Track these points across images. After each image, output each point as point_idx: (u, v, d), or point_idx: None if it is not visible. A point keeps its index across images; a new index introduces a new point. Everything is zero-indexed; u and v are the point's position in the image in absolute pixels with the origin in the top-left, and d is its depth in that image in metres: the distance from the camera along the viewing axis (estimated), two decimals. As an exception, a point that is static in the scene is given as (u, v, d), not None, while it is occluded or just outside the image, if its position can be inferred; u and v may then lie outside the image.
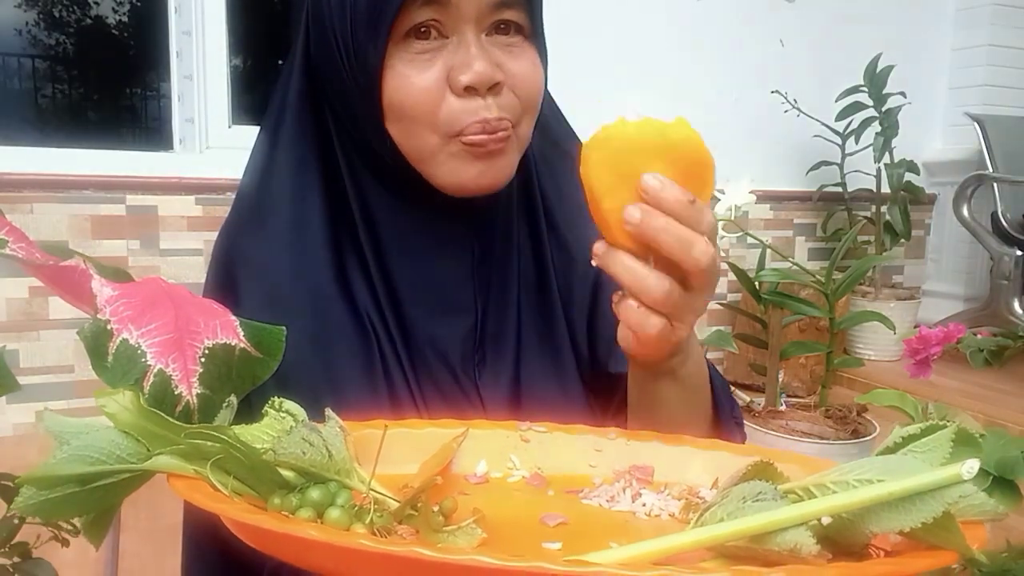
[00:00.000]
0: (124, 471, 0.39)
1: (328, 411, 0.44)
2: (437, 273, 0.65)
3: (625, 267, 0.50)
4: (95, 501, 0.39)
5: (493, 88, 0.58)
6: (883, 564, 0.36)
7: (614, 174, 0.49)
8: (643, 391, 0.61)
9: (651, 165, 0.48)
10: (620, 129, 0.48)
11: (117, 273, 0.48)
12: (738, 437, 0.67)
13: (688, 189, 0.49)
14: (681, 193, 0.48)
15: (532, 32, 0.61)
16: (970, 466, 0.33)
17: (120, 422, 0.39)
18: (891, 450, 0.38)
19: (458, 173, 0.60)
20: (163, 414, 0.40)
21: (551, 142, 0.71)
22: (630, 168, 0.48)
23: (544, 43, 0.64)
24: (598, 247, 0.51)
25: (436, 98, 0.58)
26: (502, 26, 0.59)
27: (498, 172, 0.61)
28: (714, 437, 0.63)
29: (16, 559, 0.48)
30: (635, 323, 0.51)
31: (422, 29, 0.58)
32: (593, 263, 0.51)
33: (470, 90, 0.58)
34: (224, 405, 0.44)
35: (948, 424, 0.37)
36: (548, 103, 0.67)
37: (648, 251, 0.50)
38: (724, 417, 0.67)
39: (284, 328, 0.50)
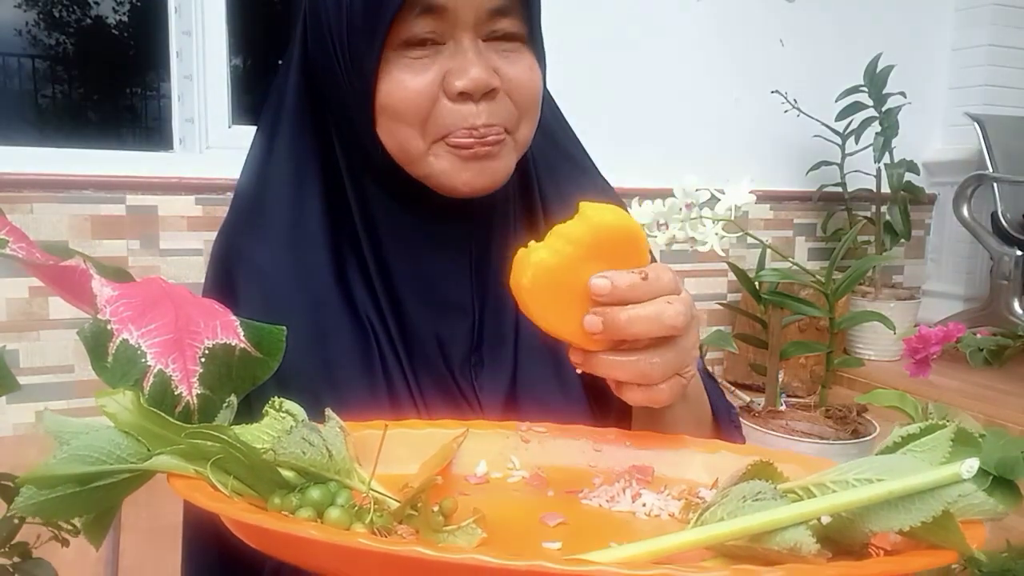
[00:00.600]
0: (124, 471, 0.39)
1: (328, 411, 0.44)
2: (435, 274, 0.65)
3: (613, 365, 0.50)
4: (95, 501, 0.39)
5: (488, 94, 0.58)
6: (883, 563, 0.36)
7: (554, 302, 0.48)
8: (651, 415, 0.60)
9: (585, 270, 0.47)
10: (538, 257, 0.47)
11: (117, 273, 0.48)
12: (738, 439, 0.67)
13: (630, 265, 0.48)
14: (630, 276, 0.48)
15: (530, 37, 0.61)
16: (969, 465, 0.33)
17: (120, 422, 0.39)
18: (891, 449, 0.38)
19: (451, 175, 0.60)
20: (163, 414, 0.40)
21: (551, 143, 0.71)
22: (567, 288, 0.48)
23: (542, 47, 0.63)
24: (575, 358, 0.50)
25: (428, 102, 0.58)
26: (499, 33, 0.59)
27: (492, 174, 0.60)
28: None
29: (16, 559, 0.48)
30: (647, 400, 0.51)
31: (419, 37, 0.58)
32: (578, 372, 0.51)
33: (464, 96, 0.58)
34: (224, 405, 0.44)
35: (948, 424, 0.37)
36: (549, 105, 0.67)
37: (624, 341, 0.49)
38: (723, 422, 0.67)
39: (284, 328, 0.50)
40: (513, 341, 0.67)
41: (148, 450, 0.39)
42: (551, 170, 0.71)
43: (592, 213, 0.48)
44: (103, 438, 0.38)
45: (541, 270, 0.47)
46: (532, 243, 0.48)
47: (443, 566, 0.32)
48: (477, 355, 0.66)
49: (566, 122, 0.73)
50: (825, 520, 0.36)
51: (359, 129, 0.62)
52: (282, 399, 0.45)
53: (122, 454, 0.39)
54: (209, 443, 0.38)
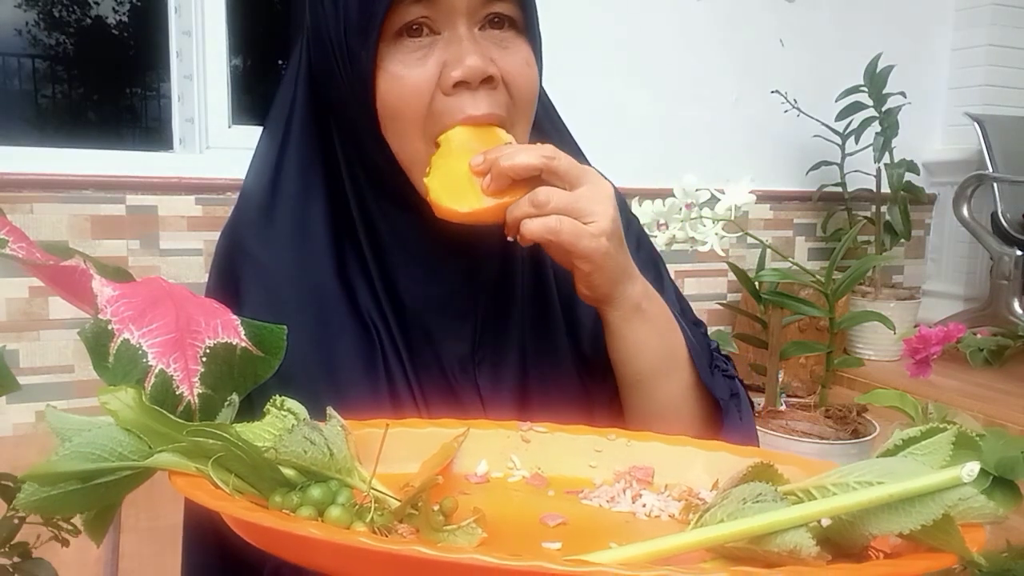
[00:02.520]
0: (126, 468, 0.39)
1: (330, 410, 0.44)
2: (436, 276, 0.65)
3: (513, 205, 0.57)
4: (97, 498, 0.39)
5: (486, 82, 0.58)
6: (882, 566, 0.36)
7: (463, 198, 0.58)
8: (620, 338, 0.63)
9: (461, 169, 0.58)
10: (432, 184, 0.59)
11: (118, 273, 0.48)
12: (720, 386, 0.68)
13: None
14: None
15: (525, 26, 0.61)
16: (970, 469, 0.33)
17: (122, 419, 0.39)
18: (891, 452, 0.38)
19: None
20: (165, 412, 0.40)
21: (545, 139, 0.70)
22: (461, 184, 0.58)
23: (539, 38, 0.63)
24: (509, 230, 0.58)
25: (425, 97, 0.58)
26: (495, 20, 0.59)
27: None
28: (700, 392, 0.66)
29: (16, 559, 0.48)
30: (539, 230, 0.56)
31: (414, 27, 0.57)
32: (509, 238, 0.58)
33: (461, 85, 0.57)
34: (226, 404, 0.44)
35: (948, 426, 0.37)
36: (541, 101, 0.67)
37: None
38: (700, 365, 0.67)
39: (285, 327, 0.50)
40: (516, 341, 0.67)
41: (150, 448, 0.39)
42: None
43: (449, 133, 0.58)
44: (105, 435, 0.38)
45: (436, 182, 0.58)
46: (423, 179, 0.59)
47: (444, 566, 0.32)
48: (478, 355, 0.66)
49: (559, 117, 0.73)
50: (825, 522, 0.36)
51: (361, 132, 0.62)
52: (284, 397, 0.45)
53: (124, 451, 0.39)
54: (211, 441, 0.38)
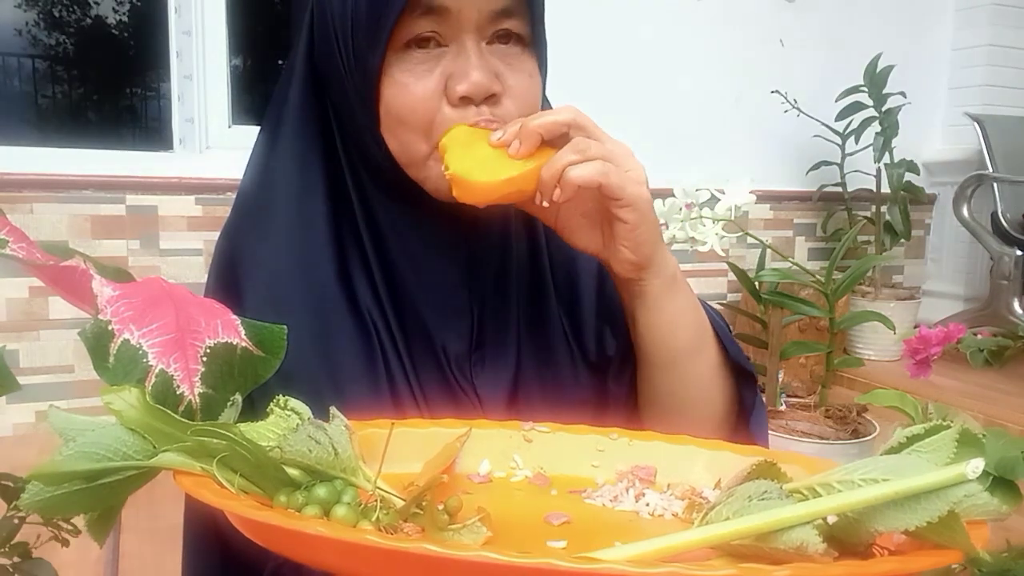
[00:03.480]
0: (130, 468, 0.39)
1: (333, 409, 0.44)
2: (435, 274, 0.65)
3: (551, 159, 0.56)
4: (100, 498, 0.39)
5: (490, 99, 0.58)
6: (888, 562, 0.36)
7: (486, 171, 0.56)
8: (659, 311, 0.63)
9: (481, 147, 0.58)
10: (453, 166, 0.57)
11: (118, 273, 0.47)
12: (745, 364, 0.68)
13: None
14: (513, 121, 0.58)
15: (533, 41, 0.61)
16: (975, 466, 0.33)
17: (126, 419, 0.39)
18: (896, 450, 0.38)
19: (446, 179, 0.60)
20: (169, 411, 0.40)
21: None
22: (484, 161, 0.57)
23: (545, 51, 0.64)
24: (540, 197, 0.57)
25: (431, 108, 0.58)
26: (502, 35, 0.59)
27: None
28: (725, 371, 0.67)
29: (16, 559, 0.48)
30: (589, 174, 0.55)
31: (422, 39, 0.58)
32: (544, 204, 0.57)
33: (465, 100, 0.58)
34: (228, 403, 0.44)
35: (952, 424, 0.37)
36: (543, 108, 0.67)
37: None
38: (726, 338, 0.68)
39: (285, 327, 0.50)
40: (513, 340, 0.67)
41: (154, 447, 0.39)
42: None
43: (452, 130, 0.58)
44: (109, 435, 0.38)
45: (457, 162, 0.56)
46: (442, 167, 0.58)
47: (452, 563, 0.32)
48: (478, 354, 0.66)
49: None
50: (831, 520, 0.36)
51: (362, 129, 0.62)
52: (287, 397, 0.45)
53: (128, 451, 0.38)
54: (215, 441, 0.38)
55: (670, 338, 0.63)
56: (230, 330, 0.47)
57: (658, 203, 1.22)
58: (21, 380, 0.45)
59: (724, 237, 1.23)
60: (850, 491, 0.35)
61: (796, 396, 1.62)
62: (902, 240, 2.86)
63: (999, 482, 0.42)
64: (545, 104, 0.66)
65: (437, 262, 0.65)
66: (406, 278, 0.64)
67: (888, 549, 0.38)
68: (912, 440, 0.37)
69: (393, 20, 0.56)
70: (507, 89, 0.59)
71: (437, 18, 0.57)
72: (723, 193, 1.23)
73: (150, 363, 0.43)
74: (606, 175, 0.55)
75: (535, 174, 0.56)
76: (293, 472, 0.41)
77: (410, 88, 0.58)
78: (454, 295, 0.65)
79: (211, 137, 2.38)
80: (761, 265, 1.54)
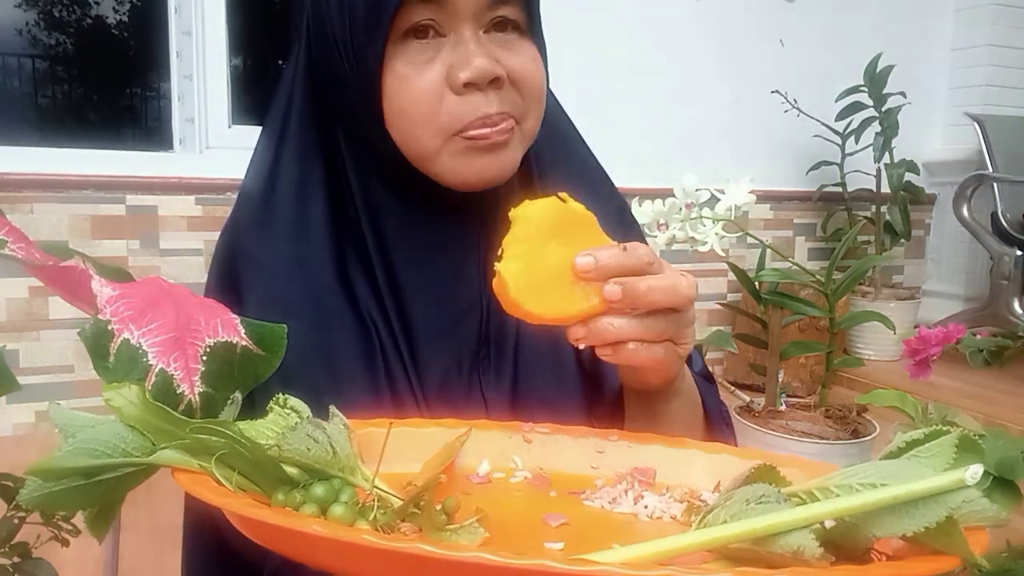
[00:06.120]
0: (129, 465, 0.39)
1: (332, 408, 0.44)
2: (443, 271, 0.65)
3: (618, 326, 0.50)
4: (100, 494, 0.39)
5: (494, 83, 0.58)
6: (885, 568, 0.36)
7: (543, 296, 0.49)
8: (648, 409, 0.62)
9: (553, 257, 0.49)
10: (507, 269, 0.49)
11: (117, 273, 0.47)
12: (730, 438, 0.68)
13: (595, 243, 0.50)
14: (609, 249, 0.49)
15: (530, 29, 0.61)
16: (974, 472, 0.33)
17: (126, 416, 0.39)
18: (895, 455, 0.38)
19: (461, 168, 0.60)
20: (168, 409, 0.40)
21: (553, 140, 0.70)
22: (548, 279, 0.49)
23: (543, 41, 0.64)
24: (576, 333, 0.50)
25: (436, 99, 0.58)
26: (499, 23, 0.59)
27: (503, 165, 0.61)
28: (708, 439, 0.65)
29: (16, 559, 0.48)
30: (648, 357, 0.52)
31: (420, 29, 0.58)
32: (580, 347, 0.51)
33: (470, 86, 0.58)
34: (228, 402, 0.44)
35: (951, 429, 0.37)
36: (550, 101, 0.67)
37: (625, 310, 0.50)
38: (715, 420, 0.68)
39: (285, 326, 0.50)
40: (514, 340, 0.67)
41: (153, 444, 0.39)
42: (554, 166, 0.71)
43: (525, 210, 0.50)
44: (109, 432, 0.38)
45: (515, 276, 0.49)
46: (496, 265, 0.49)
47: (448, 564, 0.32)
48: (484, 353, 0.66)
49: (568, 118, 0.73)
50: (829, 524, 0.36)
51: (366, 126, 0.62)
52: (286, 396, 0.45)
53: (127, 448, 0.39)
54: (214, 438, 0.38)
55: (657, 428, 0.62)
56: (230, 329, 0.47)
57: (658, 203, 1.22)
58: (21, 380, 0.45)
59: (724, 237, 1.23)
60: (848, 496, 0.35)
61: (796, 396, 1.62)
62: (902, 240, 2.86)
63: (999, 482, 0.42)
64: (550, 95, 0.66)
65: (448, 257, 0.65)
66: (410, 276, 0.64)
67: (886, 554, 0.38)
68: (911, 445, 0.37)
69: (392, 12, 0.56)
70: (509, 71, 0.59)
71: (434, 6, 0.57)
72: (723, 193, 1.23)
73: (150, 362, 0.43)
74: (659, 361, 0.53)
75: (589, 316, 0.50)
76: (291, 470, 0.41)
77: (412, 81, 0.58)
78: (464, 292, 0.65)
79: (211, 137, 2.38)
80: (761, 265, 1.53)
